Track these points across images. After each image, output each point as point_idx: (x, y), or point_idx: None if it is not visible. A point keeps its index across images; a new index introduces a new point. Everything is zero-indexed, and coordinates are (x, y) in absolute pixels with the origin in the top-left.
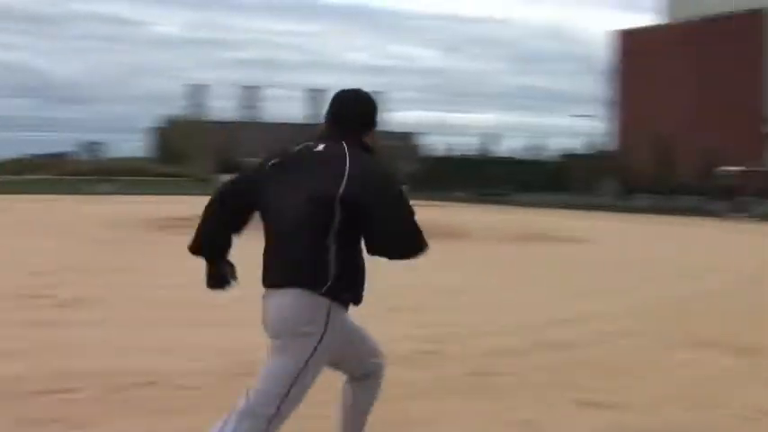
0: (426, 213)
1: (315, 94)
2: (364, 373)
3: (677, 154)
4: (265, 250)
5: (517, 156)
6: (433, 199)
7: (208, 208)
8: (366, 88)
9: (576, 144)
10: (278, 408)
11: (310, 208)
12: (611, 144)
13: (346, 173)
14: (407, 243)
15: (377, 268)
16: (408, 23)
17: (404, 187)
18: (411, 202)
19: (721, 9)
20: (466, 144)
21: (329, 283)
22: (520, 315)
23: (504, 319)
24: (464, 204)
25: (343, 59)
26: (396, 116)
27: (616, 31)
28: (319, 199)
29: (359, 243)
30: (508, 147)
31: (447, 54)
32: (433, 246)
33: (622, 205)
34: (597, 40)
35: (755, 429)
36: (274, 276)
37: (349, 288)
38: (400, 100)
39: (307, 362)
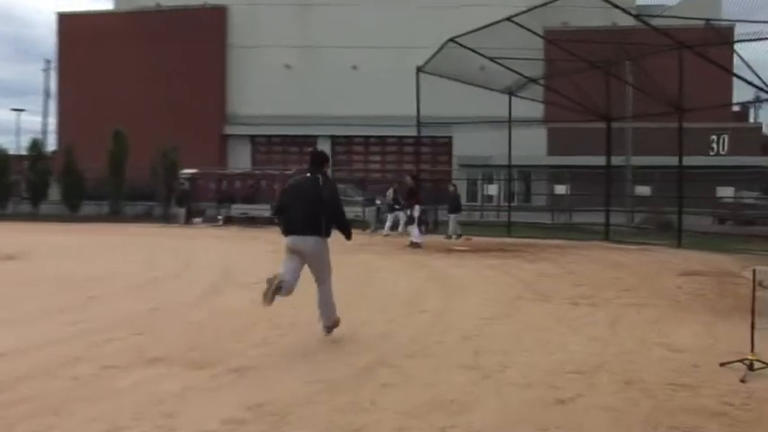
0: None
1: None
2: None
3: (129, 155)
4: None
5: None
6: None
7: (278, 211)
8: None
9: (16, 142)
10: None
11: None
12: (55, 143)
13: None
14: (340, 221)
15: None
16: None
17: None
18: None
19: (183, 1)
20: None
21: (321, 233)
22: None
23: None
24: None
25: None
26: None
27: (60, 14)
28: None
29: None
30: None
31: None
32: None
33: (69, 214)
34: (46, 23)
35: None
36: (302, 229)
37: (328, 234)
38: None
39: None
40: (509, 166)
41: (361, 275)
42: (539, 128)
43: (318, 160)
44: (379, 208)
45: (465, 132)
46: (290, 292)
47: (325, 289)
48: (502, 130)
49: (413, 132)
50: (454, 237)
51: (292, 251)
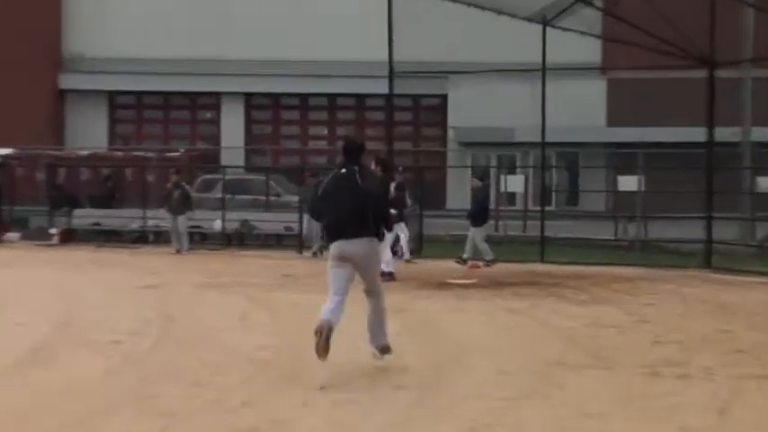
0: None
1: None
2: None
3: None
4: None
5: None
6: None
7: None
8: None
9: None
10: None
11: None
12: None
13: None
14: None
15: None
16: None
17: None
18: None
19: None
20: None
21: (373, 233)
22: None
23: None
24: None
25: None
26: None
27: None
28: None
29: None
30: None
31: None
32: None
33: None
34: None
35: None
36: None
37: (380, 233)
38: None
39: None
40: (542, 145)
41: (297, 327)
42: (593, 80)
43: (354, 150)
44: None
45: (468, 89)
46: (336, 322)
47: (380, 301)
48: (530, 84)
49: (381, 88)
50: (482, 263)
51: (341, 259)
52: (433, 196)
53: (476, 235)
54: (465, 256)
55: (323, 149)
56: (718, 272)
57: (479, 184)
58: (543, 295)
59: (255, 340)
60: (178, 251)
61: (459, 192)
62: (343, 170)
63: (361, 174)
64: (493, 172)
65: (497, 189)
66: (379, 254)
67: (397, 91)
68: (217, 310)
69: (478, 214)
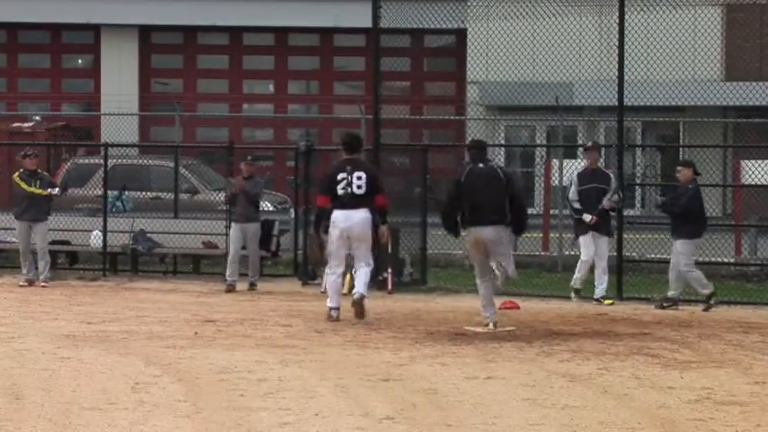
0: None
1: None
2: None
3: None
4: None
5: None
6: None
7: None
8: None
9: None
10: None
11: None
12: None
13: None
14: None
15: None
16: None
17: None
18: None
19: None
20: None
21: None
22: None
23: None
24: None
25: None
26: None
27: None
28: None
29: None
30: None
31: None
32: None
33: None
34: None
35: None
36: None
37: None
38: None
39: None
40: (619, 110)
41: (228, 410)
42: (700, 8)
43: (480, 148)
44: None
45: (500, 20)
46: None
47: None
48: (598, 13)
49: (360, 19)
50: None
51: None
52: (442, 191)
53: (684, 252)
54: (672, 293)
55: (267, 117)
56: None
57: (692, 173)
58: (622, 353)
59: (160, 428)
60: (30, 282)
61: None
62: (480, 165)
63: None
64: (538, 154)
65: (546, 182)
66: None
67: (385, 23)
68: (95, 379)
69: (690, 218)
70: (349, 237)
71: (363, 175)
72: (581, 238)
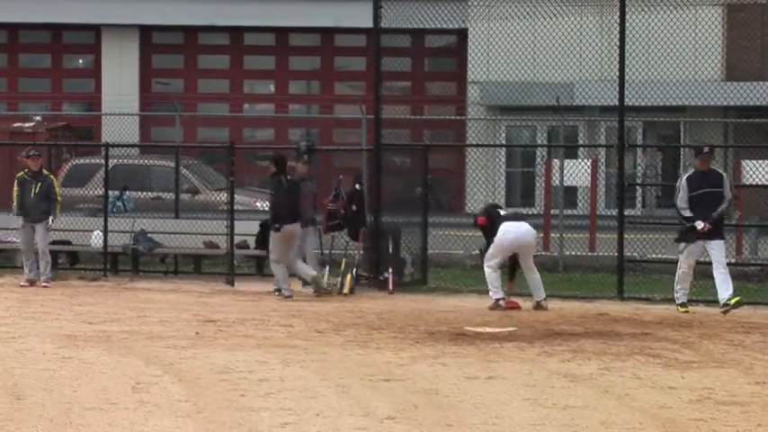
0: None
1: None
2: None
3: None
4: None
5: None
6: None
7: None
8: None
9: None
10: None
11: None
12: None
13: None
14: None
15: None
16: None
17: None
18: None
19: None
20: None
21: None
22: None
23: None
24: None
25: None
26: None
27: None
28: None
29: None
30: None
31: None
32: None
33: None
34: None
35: None
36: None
37: None
38: None
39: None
40: (620, 110)
41: (230, 411)
42: (701, 7)
43: None
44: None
45: (501, 20)
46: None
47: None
48: (599, 13)
49: (361, 19)
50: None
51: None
52: (444, 192)
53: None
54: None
55: (267, 117)
56: None
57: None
58: (623, 353)
59: (161, 428)
60: (32, 282)
61: (485, 186)
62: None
63: None
64: (539, 154)
65: (546, 182)
66: None
67: (385, 23)
68: (96, 379)
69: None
70: None
71: None
72: (689, 247)
